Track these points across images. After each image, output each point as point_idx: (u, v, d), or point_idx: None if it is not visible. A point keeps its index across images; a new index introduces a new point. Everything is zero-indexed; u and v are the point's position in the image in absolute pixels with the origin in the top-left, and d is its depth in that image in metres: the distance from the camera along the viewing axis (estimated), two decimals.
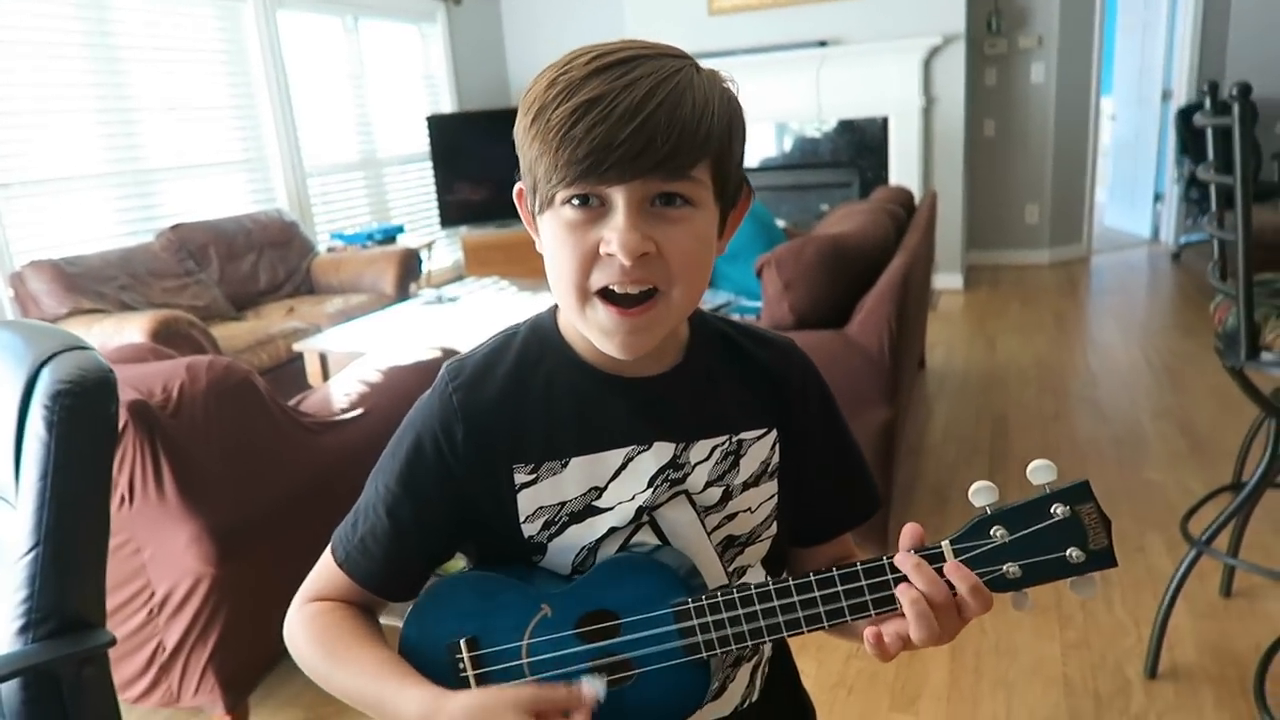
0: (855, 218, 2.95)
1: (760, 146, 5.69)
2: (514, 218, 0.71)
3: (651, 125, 0.59)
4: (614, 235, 0.61)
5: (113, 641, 1.05)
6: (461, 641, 0.71)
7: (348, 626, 0.73)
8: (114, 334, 3.05)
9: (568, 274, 0.64)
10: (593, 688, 0.65)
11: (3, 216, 3.50)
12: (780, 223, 4.16)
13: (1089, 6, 5.59)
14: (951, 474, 2.91)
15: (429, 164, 5.62)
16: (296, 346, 3.42)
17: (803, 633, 0.67)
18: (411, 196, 5.83)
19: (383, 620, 0.79)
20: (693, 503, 0.72)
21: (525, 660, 0.69)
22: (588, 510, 0.71)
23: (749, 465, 0.74)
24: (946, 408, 3.55)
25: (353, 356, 2.77)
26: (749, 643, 0.67)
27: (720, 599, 0.66)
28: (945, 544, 0.64)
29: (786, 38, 5.35)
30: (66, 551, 1.02)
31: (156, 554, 1.67)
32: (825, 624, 0.66)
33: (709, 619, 0.66)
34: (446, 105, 6.01)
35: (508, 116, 0.66)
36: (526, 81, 0.65)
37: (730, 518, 0.74)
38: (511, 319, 0.79)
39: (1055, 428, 3.27)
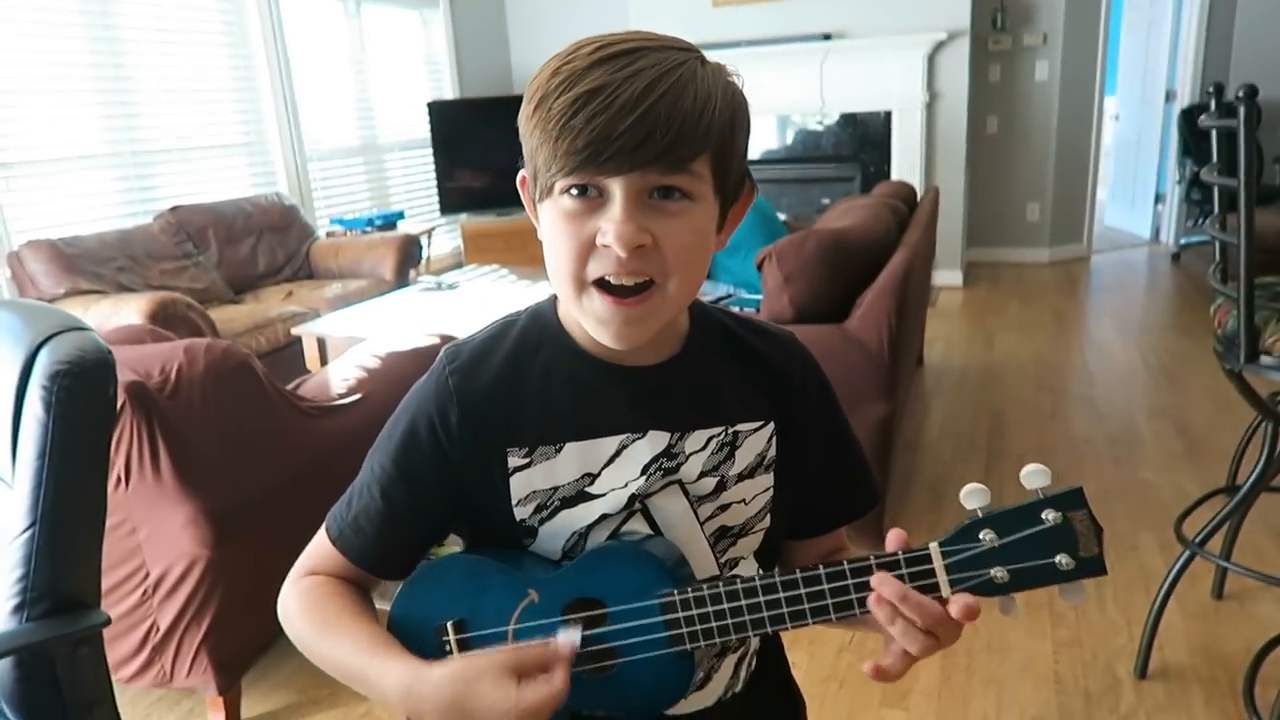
0: (857, 212, 2.94)
1: (762, 139, 5.68)
2: (514, 206, 0.71)
3: (651, 118, 0.59)
4: (610, 227, 0.61)
5: (107, 621, 1.05)
6: (449, 624, 0.71)
7: (340, 601, 0.74)
8: (111, 315, 3.05)
9: (565, 263, 0.64)
10: (569, 639, 0.65)
11: (1, 196, 3.48)
12: (781, 216, 4.15)
13: (1094, 5, 5.57)
14: (948, 470, 2.92)
15: (430, 150, 5.60)
16: (295, 331, 3.41)
17: (787, 629, 0.67)
18: (412, 182, 5.81)
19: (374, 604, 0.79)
20: (686, 493, 0.73)
21: (511, 645, 0.70)
22: (580, 496, 0.71)
23: (744, 457, 0.74)
24: (944, 404, 3.55)
25: (351, 342, 2.76)
26: (733, 636, 0.67)
27: (706, 593, 0.66)
28: (933, 547, 0.64)
29: (791, 30, 5.33)
30: (63, 531, 1.02)
31: (152, 535, 1.67)
32: (810, 620, 0.66)
33: (694, 612, 0.67)
34: (448, 91, 5.99)
35: (510, 104, 0.66)
36: (529, 69, 0.65)
37: (724, 509, 0.74)
38: (510, 307, 0.79)
39: (1052, 426, 3.27)
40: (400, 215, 5.20)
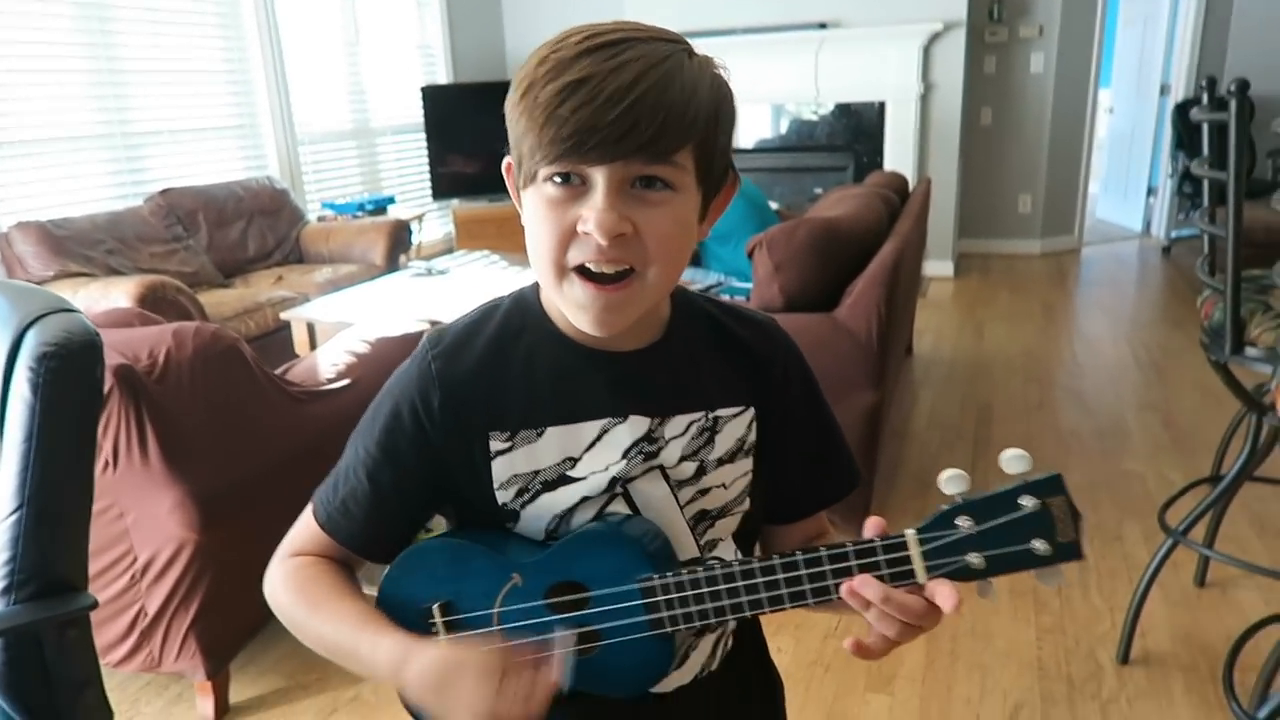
0: (848, 202, 2.94)
1: (756, 127, 5.67)
2: (506, 192, 0.71)
3: (637, 109, 0.59)
4: (592, 215, 0.62)
5: (95, 604, 1.05)
6: (435, 606, 0.72)
7: (327, 580, 0.75)
8: (100, 298, 3.03)
9: (546, 249, 0.65)
10: (560, 673, 0.65)
11: None
12: (774, 204, 4.15)
13: None
14: (935, 460, 2.93)
15: (422, 135, 5.57)
16: (284, 315, 3.40)
17: (765, 612, 0.68)
18: (404, 167, 5.78)
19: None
20: (666, 477, 0.73)
21: (496, 627, 0.71)
22: (561, 479, 0.72)
23: (724, 442, 0.75)
24: (932, 394, 3.57)
25: (341, 327, 2.76)
26: (712, 620, 0.68)
27: (686, 577, 0.67)
28: (910, 534, 0.64)
29: (786, 18, 5.32)
30: (50, 514, 1.02)
31: (140, 519, 1.67)
32: (787, 605, 0.67)
33: (674, 596, 0.68)
34: (442, 76, 5.96)
35: (504, 90, 0.66)
36: (524, 54, 0.66)
37: (704, 492, 0.75)
38: (501, 293, 0.79)
39: (1039, 417, 3.30)
40: (391, 200, 5.18)
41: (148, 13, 4.03)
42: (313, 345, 3.25)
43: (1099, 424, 3.19)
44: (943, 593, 0.62)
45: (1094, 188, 6.75)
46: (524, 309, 0.75)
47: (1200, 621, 2.03)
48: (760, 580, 0.66)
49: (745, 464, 0.76)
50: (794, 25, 5.29)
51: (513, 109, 0.64)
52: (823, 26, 5.27)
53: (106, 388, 1.52)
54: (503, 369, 0.73)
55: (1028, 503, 0.62)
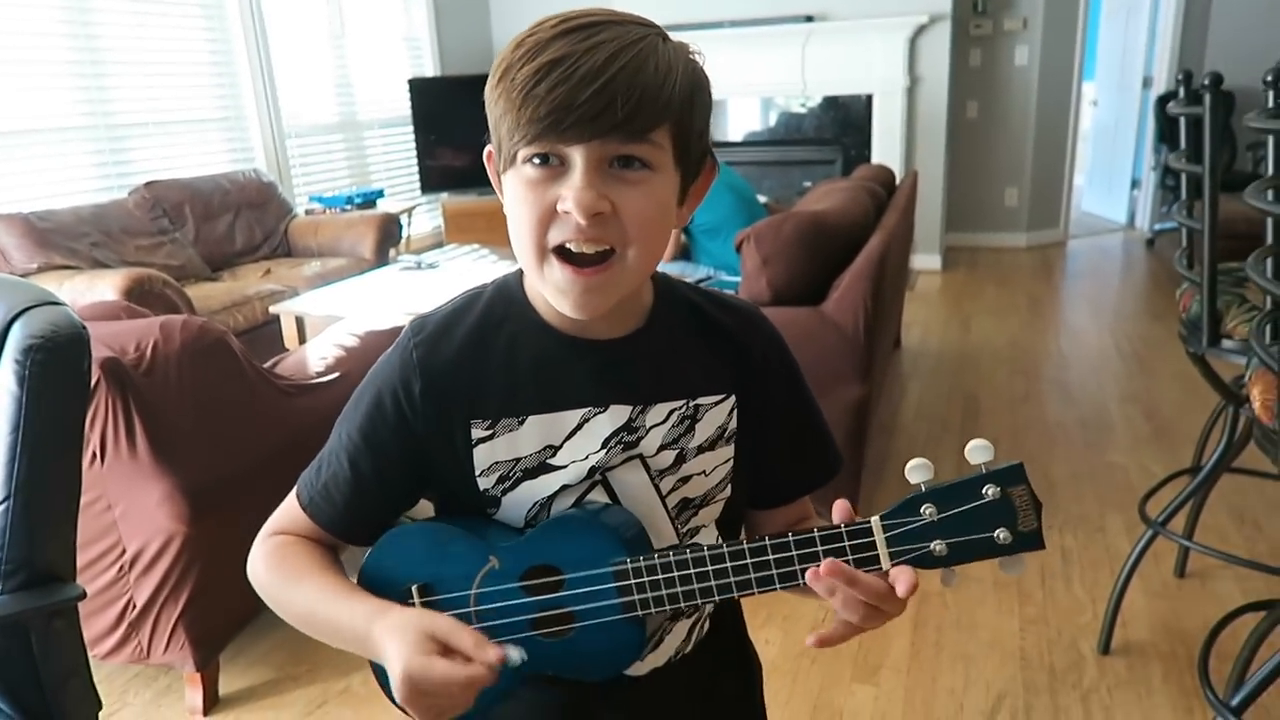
0: (836, 195, 2.96)
1: (744, 121, 5.67)
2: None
3: (612, 88, 0.60)
4: (570, 193, 0.63)
5: (83, 595, 1.06)
6: (414, 588, 0.73)
7: (308, 556, 0.76)
8: (86, 291, 3.01)
9: (526, 230, 0.66)
10: (503, 653, 0.65)
11: None
12: (762, 198, 4.16)
13: None
14: (922, 452, 2.92)
15: (410, 128, 5.55)
16: (273, 309, 3.39)
17: (734, 597, 0.69)
18: (392, 161, 5.76)
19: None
20: (646, 466, 0.74)
21: (473, 609, 0.72)
22: (542, 467, 0.73)
23: (705, 430, 0.76)
24: (919, 387, 3.60)
25: (330, 320, 2.76)
26: (683, 604, 0.69)
27: (658, 561, 0.69)
28: (875, 520, 0.66)
29: (773, 11, 5.32)
30: (36, 505, 1.03)
31: (128, 511, 1.67)
32: (755, 590, 0.68)
33: (645, 580, 0.69)
34: (429, 68, 5.93)
35: None
36: None
37: (684, 480, 0.76)
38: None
39: (1024, 409, 3.33)
40: (380, 193, 5.16)
41: (131, 2, 4.00)
42: (302, 339, 3.25)
43: (1083, 416, 3.22)
44: (902, 578, 0.64)
45: (1079, 180, 6.79)
46: (507, 297, 0.76)
47: (1179, 611, 2.06)
48: (729, 565, 0.68)
49: (726, 451, 0.77)
50: (780, 18, 5.30)
51: (491, 92, 0.65)
52: (809, 19, 5.27)
53: (93, 380, 1.52)
54: (484, 357, 0.73)
55: (990, 491, 0.64)
